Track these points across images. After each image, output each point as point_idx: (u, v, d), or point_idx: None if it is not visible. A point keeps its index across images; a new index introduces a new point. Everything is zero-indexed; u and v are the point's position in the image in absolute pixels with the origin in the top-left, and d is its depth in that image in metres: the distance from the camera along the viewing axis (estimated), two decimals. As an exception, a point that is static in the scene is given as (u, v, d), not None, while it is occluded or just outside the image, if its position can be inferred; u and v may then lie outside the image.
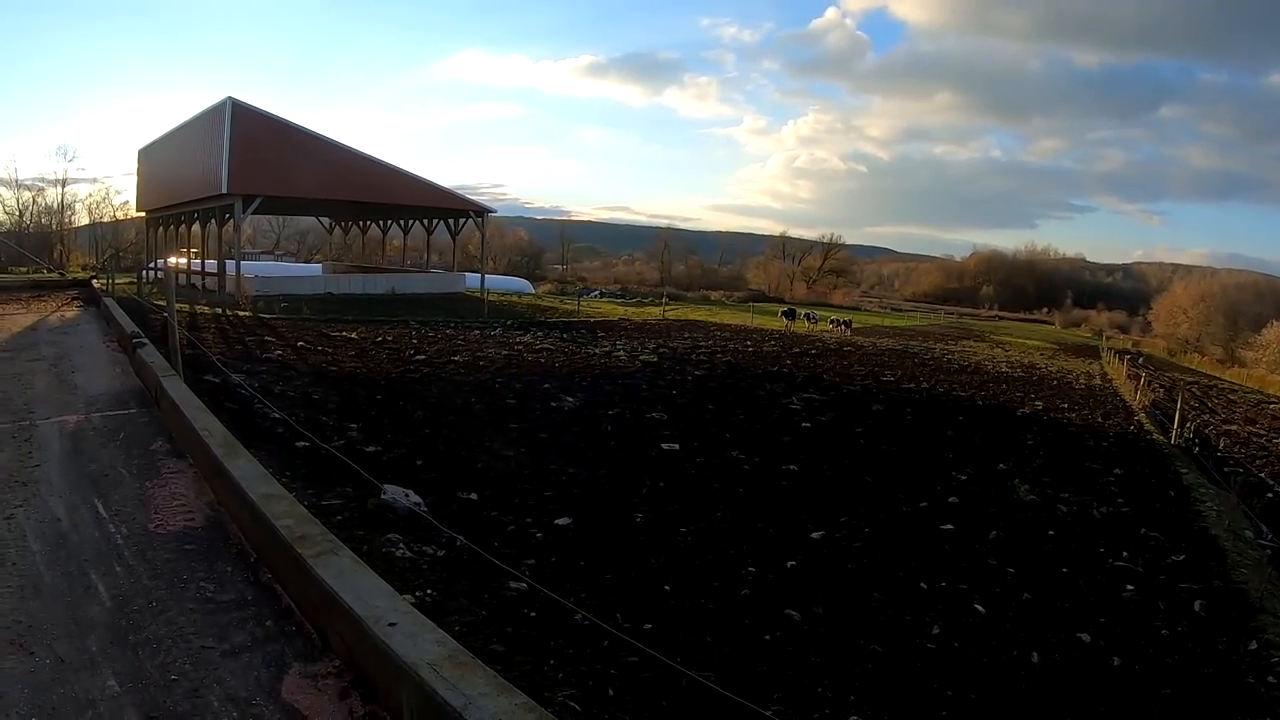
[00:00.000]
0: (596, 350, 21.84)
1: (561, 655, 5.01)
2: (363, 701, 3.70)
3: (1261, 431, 20.90)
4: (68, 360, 11.47)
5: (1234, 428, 21.14)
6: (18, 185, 72.28)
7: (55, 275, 31.33)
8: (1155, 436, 16.72)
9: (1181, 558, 8.76)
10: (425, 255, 59.91)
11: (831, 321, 42.60)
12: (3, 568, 4.81)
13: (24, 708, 3.54)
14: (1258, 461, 15.86)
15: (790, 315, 42.04)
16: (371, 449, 9.49)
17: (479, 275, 47.18)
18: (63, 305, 18.80)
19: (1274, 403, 31.56)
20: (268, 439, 8.68)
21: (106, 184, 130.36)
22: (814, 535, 8.27)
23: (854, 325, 43.93)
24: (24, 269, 45.56)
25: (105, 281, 25.37)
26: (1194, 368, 59.32)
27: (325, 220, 61.73)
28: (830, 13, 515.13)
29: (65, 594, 4.56)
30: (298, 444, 8.55)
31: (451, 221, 48.41)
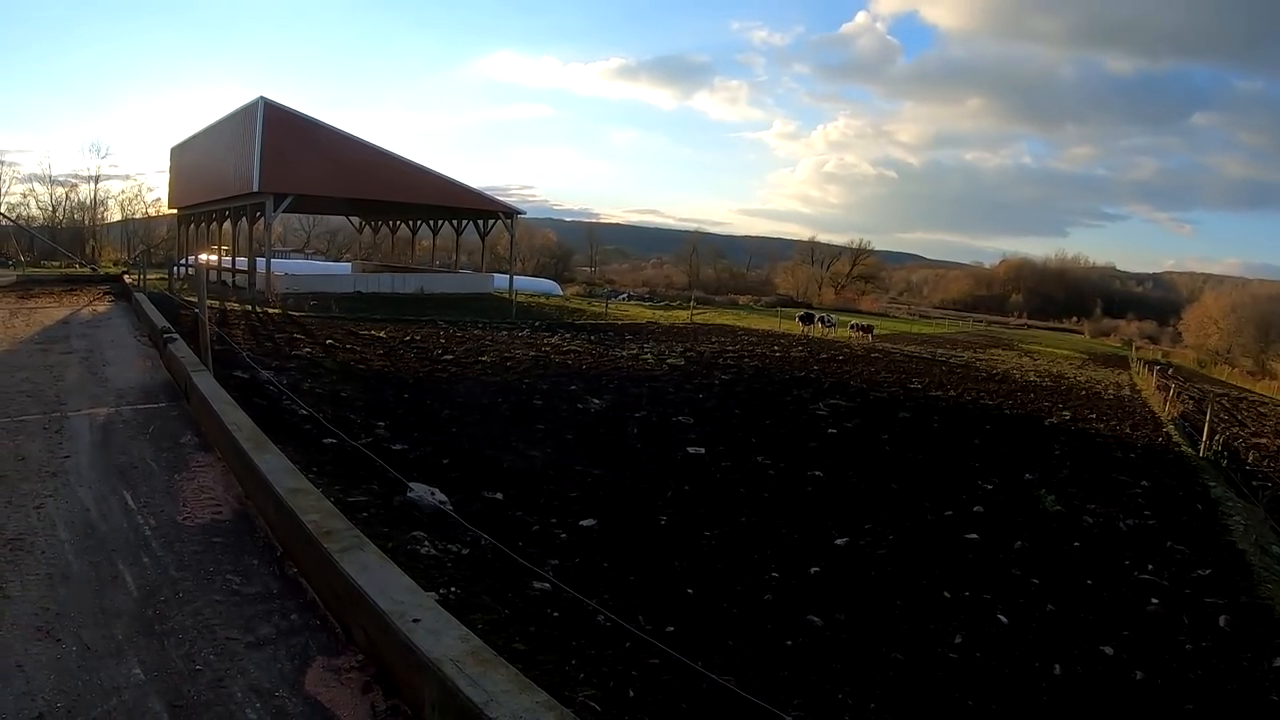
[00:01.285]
0: (624, 353, 21.87)
1: (583, 655, 5.02)
2: (385, 696, 3.72)
3: (1292, 445, 20.66)
4: (99, 353, 11.58)
5: (1264, 440, 20.92)
6: (52, 181, 73.40)
7: (87, 270, 31.71)
8: (1183, 449, 16.57)
9: (1207, 572, 8.69)
10: (454, 255, 60.31)
11: (852, 327, 42.09)
12: (32, 556, 4.86)
13: (50, 694, 3.58)
14: (1288, 475, 15.69)
15: (807, 320, 41.44)
16: (398, 447, 9.54)
17: (507, 276, 47.38)
18: (94, 299, 19.00)
19: (1306, 416, 31.15)
20: (295, 435, 8.74)
21: (139, 181, 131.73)
22: (838, 541, 8.25)
23: (879, 332, 43.46)
24: (57, 263, 46.08)
25: (136, 277, 25.69)
26: (1224, 379, 58.75)
27: (355, 220, 62.15)
28: (860, 16, 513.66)
29: (93, 583, 4.61)
30: (325, 440, 8.60)
31: (480, 222, 48.62)
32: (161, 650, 3.97)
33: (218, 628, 4.20)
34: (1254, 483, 13.63)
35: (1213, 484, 13.27)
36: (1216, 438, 17.06)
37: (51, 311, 16.29)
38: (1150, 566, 8.62)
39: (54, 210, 72.47)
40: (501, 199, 47.09)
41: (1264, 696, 6.07)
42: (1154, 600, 7.70)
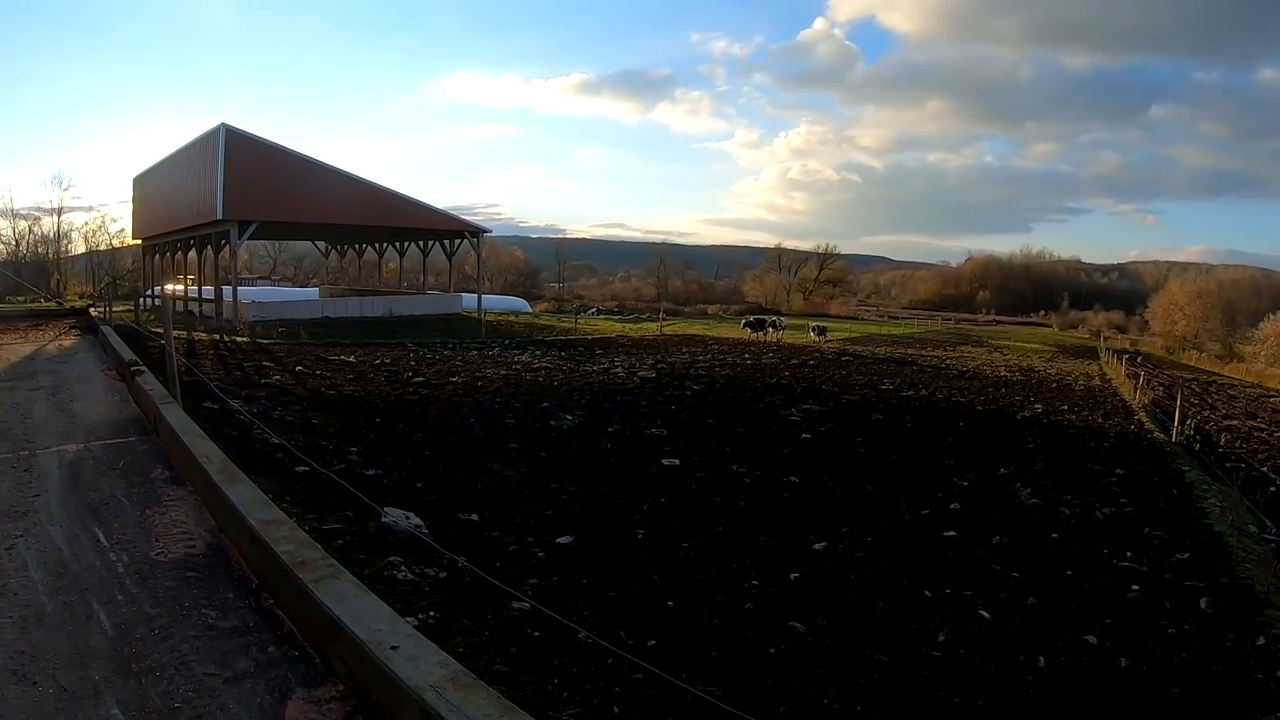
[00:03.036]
0: (594, 368, 21.82)
1: (566, 674, 5.00)
2: (367, 725, 3.69)
3: (1262, 425, 20.92)
4: (66, 389, 11.46)
5: (1234, 423, 21.16)
6: (14, 214, 72.41)
7: (53, 304, 31.33)
8: (1156, 435, 16.74)
9: (1186, 555, 8.77)
10: (421, 277, 60.04)
11: (812, 329, 41.73)
12: (4, 597, 4.80)
13: (27, 739, 3.53)
14: (1259, 455, 15.88)
15: (757, 326, 40.54)
16: (371, 472, 9.48)
17: (475, 295, 47.19)
18: (60, 334, 18.80)
19: (1273, 396, 31.56)
20: (267, 464, 8.66)
21: (102, 212, 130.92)
22: (816, 546, 8.26)
23: (850, 335, 43.46)
24: (22, 298, 45.51)
25: (102, 309, 25.43)
26: (1193, 365, 59.31)
27: (321, 244, 61.82)
28: (819, 24, 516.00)
29: (67, 623, 4.55)
30: (297, 469, 8.53)
31: (447, 243, 48.43)
32: (139, 689, 3.92)
33: (195, 664, 4.16)
34: (1227, 465, 13.77)
35: (1187, 468, 13.42)
36: (1188, 422, 17.25)
37: (17, 348, 16.10)
38: (1129, 554, 8.68)
39: (17, 244, 71.54)
40: (467, 218, 46.88)
41: (1249, 675, 6.12)
42: (1134, 587, 7.76)
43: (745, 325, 41.45)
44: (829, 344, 37.64)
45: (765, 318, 43.34)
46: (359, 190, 39.12)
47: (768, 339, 38.02)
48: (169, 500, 6.75)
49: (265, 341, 24.66)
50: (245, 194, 34.14)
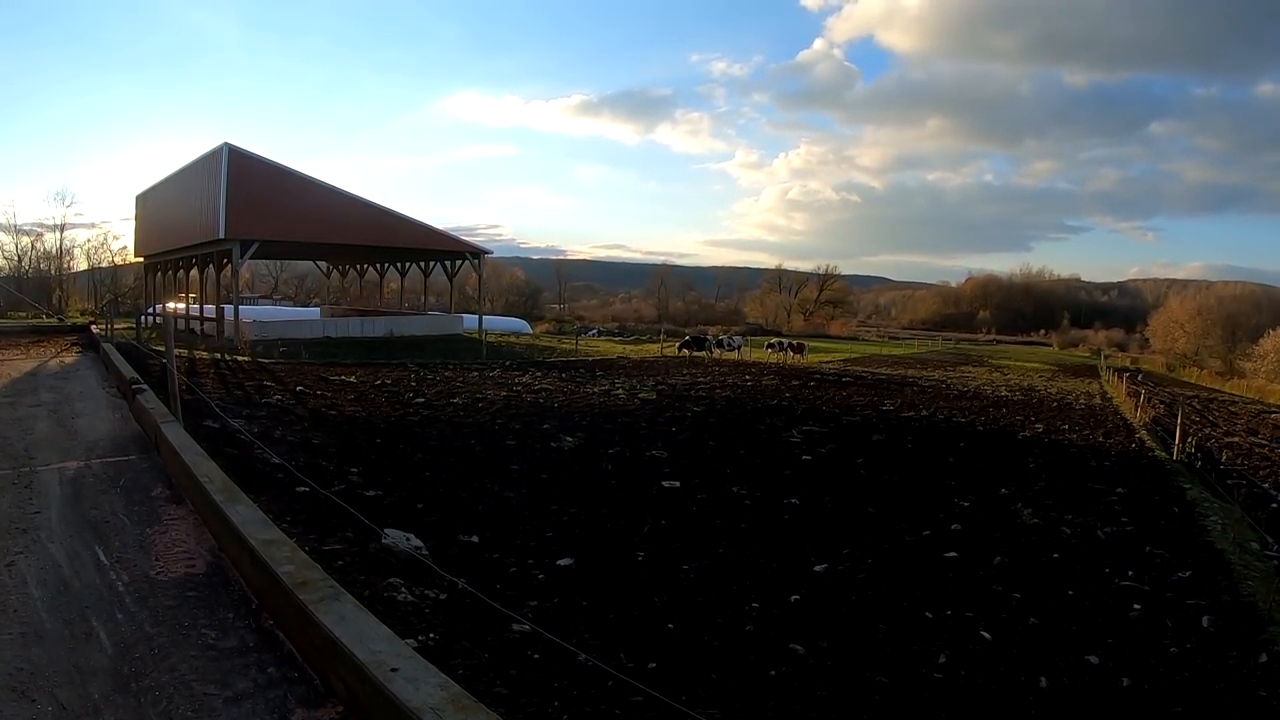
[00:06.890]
0: (595, 389, 21.81)
1: (566, 697, 4.98)
2: (367, 746, 3.68)
3: (1263, 442, 20.85)
4: (67, 406, 11.46)
5: (1236, 439, 21.11)
6: (16, 230, 72.69)
7: (54, 320, 31.37)
8: (1157, 453, 16.73)
9: (1188, 574, 8.74)
10: (423, 297, 60.20)
11: (768, 346, 40.51)
12: (4, 614, 4.79)
13: (26, 758, 3.52)
14: (1261, 472, 15.83)
15: (696, 344, 38.10)
16: (372, 493, 9.47)
17: (477, 316, 47.22)
18: (62, 350, 18.80)
19: (1275, 412, 31.55)
20: (268, 484, 8.65)
21: (105, 229, 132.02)
22: (817, 568, 8.25)
23: (853, 355, 43.34)
24: (23, 314, 45.61)
25: (104, 326, 25.42)
26: (1193, 381, 59.35)
27: (323, 264, 61.92)
28: (818, 43, 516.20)
29: (67, 641, 4.54)
30: (298, 489, 8.52)
31: (448, 263, 48.49)
32: (139, 708, 3.91)
33: (195, 683, 4.15)
34: (1229, 481, 13.71)
35: (1188, 486, 13.41)
36: (1189, 440, 17.23)
37: (19, 364, 16.10)
38: (1130, 573, 8.67)
39: (19, 260, 71.85)
40: (468, 239, 46.95)
41: (1251, 693, 6.10)
42: (1136, 606, 7.74)
43: (682, 346, 39.12)
44: (791, 360, 37.20)
45: (707, 337, 41.42)
46: (360, 210, 39.23)
47: (713, 358, 36.98)
48: (169, 519, 6.74)
49: (266, 361, 24.69)
50: (247, 213, 34.22)
